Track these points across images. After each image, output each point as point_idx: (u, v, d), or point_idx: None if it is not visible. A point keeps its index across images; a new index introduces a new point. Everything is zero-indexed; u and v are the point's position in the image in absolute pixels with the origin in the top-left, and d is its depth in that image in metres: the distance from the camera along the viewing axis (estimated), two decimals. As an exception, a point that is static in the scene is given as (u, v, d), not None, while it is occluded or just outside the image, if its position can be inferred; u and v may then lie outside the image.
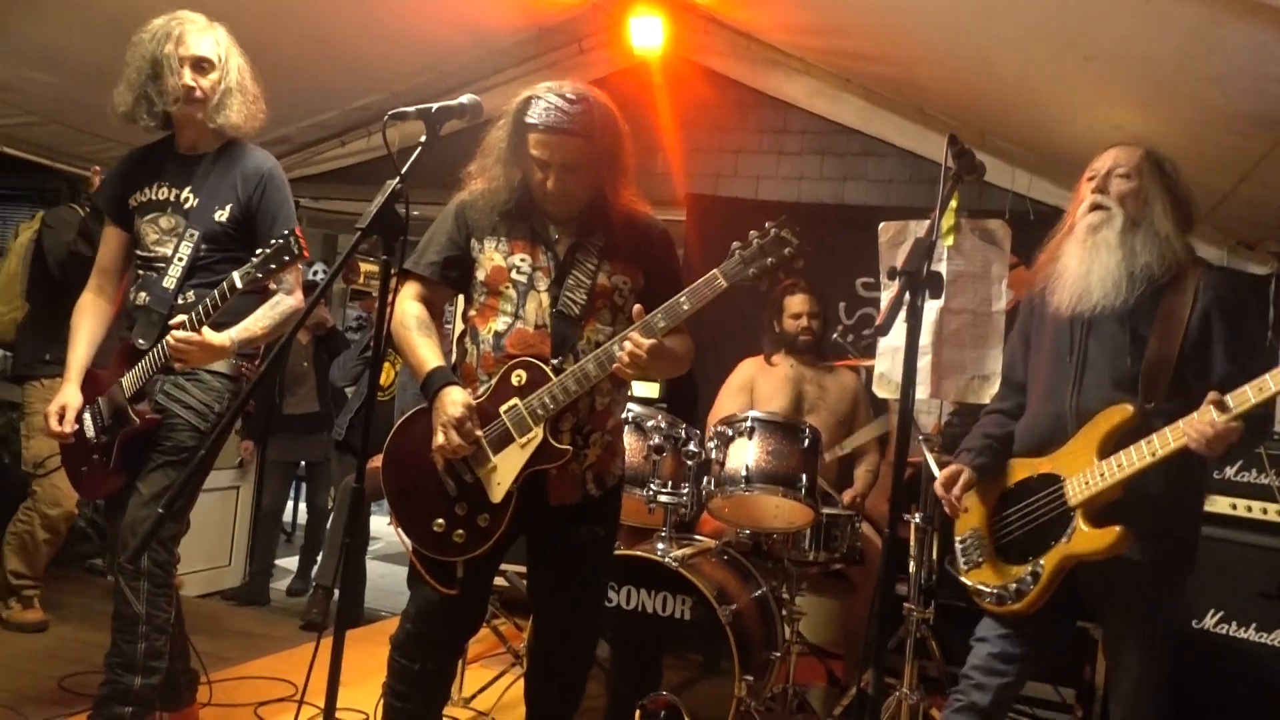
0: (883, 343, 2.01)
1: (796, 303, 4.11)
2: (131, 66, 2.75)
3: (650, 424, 3.53)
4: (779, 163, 5.14)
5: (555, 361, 2.31)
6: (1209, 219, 4.03)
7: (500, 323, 2.35)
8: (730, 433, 3.50)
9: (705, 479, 3.53)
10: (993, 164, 3.80)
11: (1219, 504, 3.34)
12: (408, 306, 2.41)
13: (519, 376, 2.31)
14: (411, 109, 1.96)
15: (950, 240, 1.96)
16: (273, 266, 2.55)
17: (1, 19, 3.71)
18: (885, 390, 2.04)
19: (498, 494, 2.28)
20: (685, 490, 3.51)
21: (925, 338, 1.94)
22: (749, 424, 3.47)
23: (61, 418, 2.72)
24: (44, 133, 4.68)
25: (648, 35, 4.78)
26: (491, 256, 2.39)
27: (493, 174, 2.35)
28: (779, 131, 5.13)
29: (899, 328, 1.75)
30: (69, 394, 2.75)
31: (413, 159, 1.93)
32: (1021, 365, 2.59)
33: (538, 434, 2.27)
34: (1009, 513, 2.45)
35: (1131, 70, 3.16)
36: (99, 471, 2.74)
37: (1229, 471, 3.35)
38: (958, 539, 2.59)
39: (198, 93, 2.71)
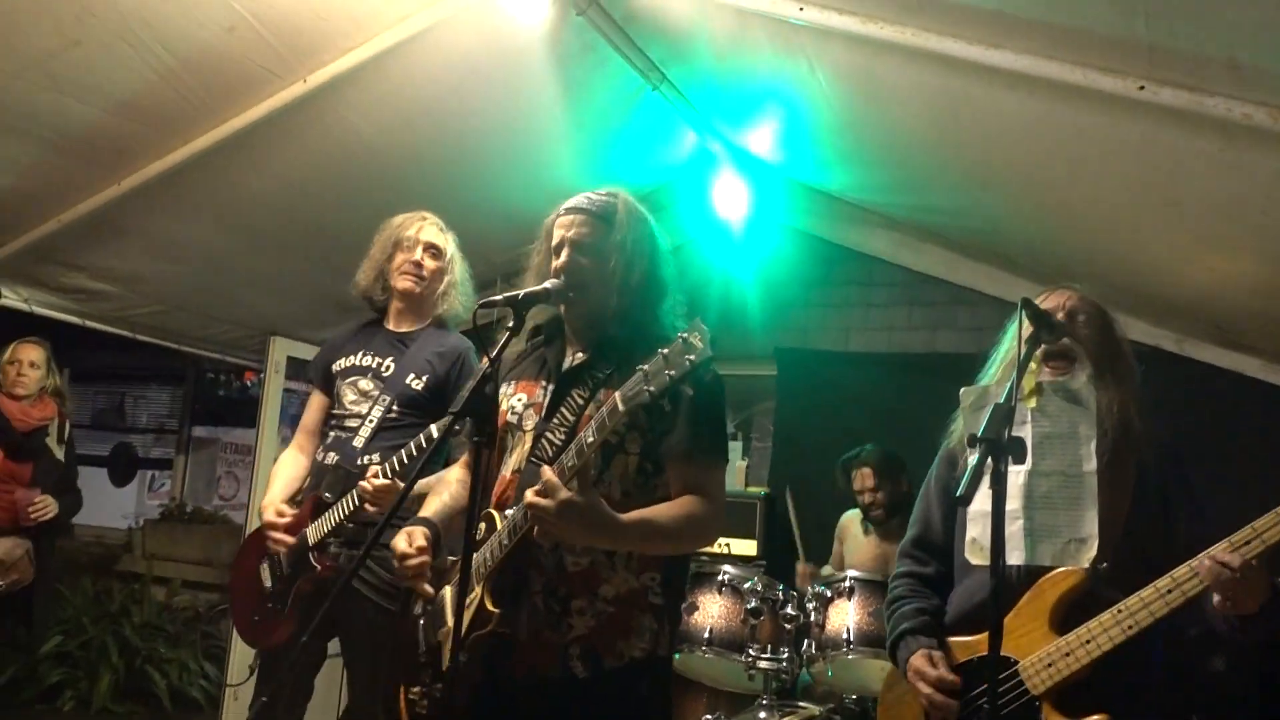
0: (973, 508, 1.97)
1: (858, 478, 4.12)
2: (376, 247, 3.11)
3: (746, 586, 3.50)
4: (867, 314, 5.19)
5: (510, 511, 2.03)
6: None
7: (501, 470, 2.18)
8: (829, 593, 3.44)
9: (805, 642, 3.46)
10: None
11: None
12: (449, 471, 2.38)
13: (482, 529, 2.08)
14: (500, 297, 2.03)
15: (1033, 403, 1.94)
16: None
17: (141, 218, 4.07)
18: (977, 557, 1.99)
19: (446, 659, 2.00)
20: (785, 654, 3.43)
21: (1014, 502, 1.90)
22: (848, 584, 3.41)
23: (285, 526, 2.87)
24: (170, 318, 5.05)
25: (732, 200, 4.95)
26: (503, 401, 2.20)
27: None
28: (866, 284, 5.19)
29: (985, 494, 1.73)
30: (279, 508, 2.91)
31: (501, 344, 2.00)
32: (941, 523, 2.31)
33: (476, 595, 2.02)
34: None
35: (1216, 214, 3.14)
36: (272, 618, 2.85)
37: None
38: None
39: (423, 271, 3.03)
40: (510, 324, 2.02)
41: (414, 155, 4.13)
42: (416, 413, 2.90)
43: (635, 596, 2.05)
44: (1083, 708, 1.96)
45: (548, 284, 2.10)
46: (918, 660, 2.15)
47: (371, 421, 2.90)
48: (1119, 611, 1.94)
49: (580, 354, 2.18)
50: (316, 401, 3.13)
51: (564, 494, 1.84)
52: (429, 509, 2.24)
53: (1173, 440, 2.15)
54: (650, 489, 2.08)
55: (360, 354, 3.06)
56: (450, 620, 2.09)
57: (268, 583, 2.91)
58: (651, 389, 1.80)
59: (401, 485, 2.70)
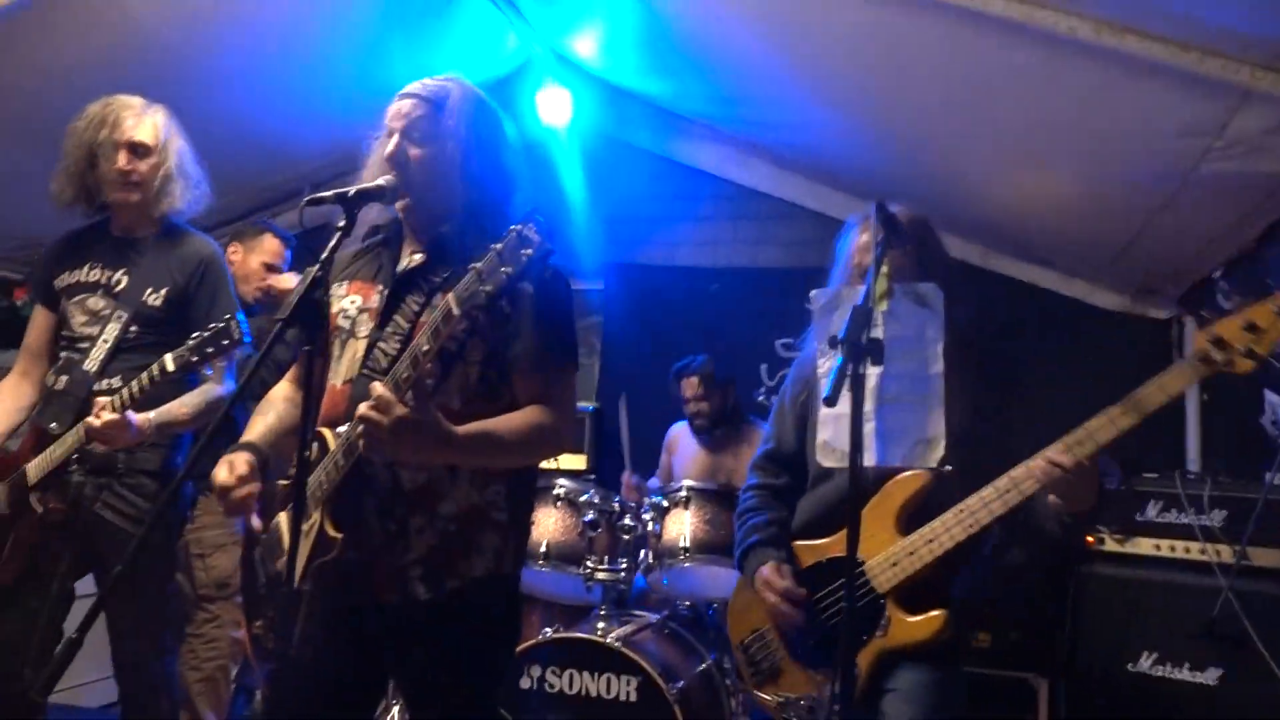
0: (821, 411, 1.98)
1: (686, 386, 4.15)
2: (69, 156, 2.66)
3: (582, 499, 3.46)
4: (694, 229, 5.19)
5: (343, 428, 1.84)
6: (1110, 269, 4.18)
7: (330, 380, 1.97)
8: (665, 504, 3.45)
9: (643, 552, 3.47)
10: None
11: (1143, 545, 3.37)
12: (275, 389, 2.14)
13: (313, 450, 1.88)
14: (329, 194, 1.82)
15: (884, 306, 1.95)
16: (209, 350, 2.39)
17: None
18: (830, 459, 2.00)
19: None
20: (623, 565, 3.43)
21: (868, 404, 1.91)
22: (684, 494, 3.43)
23: None
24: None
25: (556, 109, 4.79)
26: (334, 302, 2.01)
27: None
28: (692, 198, 5.18)
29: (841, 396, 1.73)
30: None
31: (332, 244, 1.79)
32: (793, 435, 2.37)
33: (315, 519, 1.86)
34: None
35: (1028, 132, 3.27)
36: None
37: (1151, 513, 3.40)
38: (739, 644, 2.36)
39: (134, 177, 2.62)
40: (341, 223, 1.82)
41: (207, 49, 3.74)
42: (156, 331, 2.61)
43: (478, 513, 1.91)
44: (923, 603, 2.06)
45: (381, 180, 1.91)
46: (767, 571, 2.24)
47: (105, 342, 2.60)
48: (961, 511, 2.03)
49: (417, 255, 1.98)
50: (40, 319, 2.75)
51: (398, 410, 1.68)
52: (252, 432, 2.03)
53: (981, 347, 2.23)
54: (494, 398, 1.91)
55: (86, 267, 2.69)
56: (287, 548, 1.88)
57: None
58: (487, 289, 1.65)
59: (132, 418, 2.46)
